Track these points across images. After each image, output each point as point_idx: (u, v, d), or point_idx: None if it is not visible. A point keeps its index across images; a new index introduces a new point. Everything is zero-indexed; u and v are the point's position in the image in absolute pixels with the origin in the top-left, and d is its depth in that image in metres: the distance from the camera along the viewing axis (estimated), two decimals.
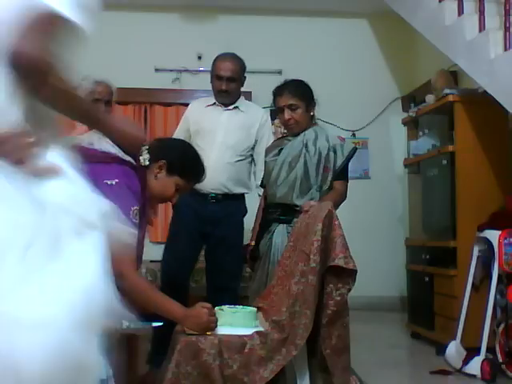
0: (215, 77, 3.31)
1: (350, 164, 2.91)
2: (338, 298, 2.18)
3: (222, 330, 2.12)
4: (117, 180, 2.03)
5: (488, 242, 3.37)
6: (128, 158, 2.12)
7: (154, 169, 2.19)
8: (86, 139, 2.87)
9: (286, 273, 2.37)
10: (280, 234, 2.80)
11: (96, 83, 3.17)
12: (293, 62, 5.71)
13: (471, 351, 3.31)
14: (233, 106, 3.38)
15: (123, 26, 5.51)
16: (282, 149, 2.93)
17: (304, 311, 2.12)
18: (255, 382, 2.01)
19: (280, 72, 5.71)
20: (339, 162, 2.84)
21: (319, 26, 5.77)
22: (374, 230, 5.57)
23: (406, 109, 5.57)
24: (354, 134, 5.76)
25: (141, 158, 2.16)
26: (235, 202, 3.33)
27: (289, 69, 5.74)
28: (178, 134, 3.41)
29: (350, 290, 2.20)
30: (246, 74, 3.42)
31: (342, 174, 2.86)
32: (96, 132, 2.36)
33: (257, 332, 2.13)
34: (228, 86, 3.27)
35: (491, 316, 3.24)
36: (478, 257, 3.48)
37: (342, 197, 2.85)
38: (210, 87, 3.43)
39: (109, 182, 2.01)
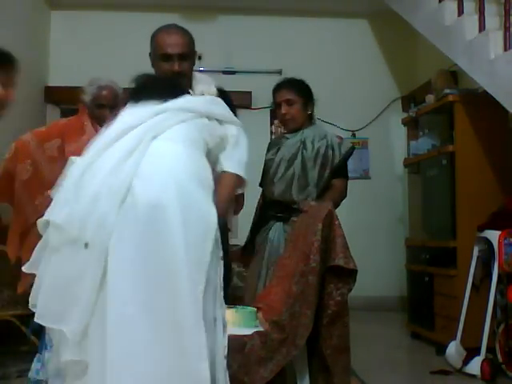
0: (161, 57, 2.42)
1: (349, 164, 2.90)
2: (339, 298, 2.18)
3: None
4: None
5: (488, 242, 3.37)
6: None
7: None
8: None
9: (286, 273, 2.36)
10: (277, 231, 2.79)
11: (100, 88, 3.07)
12: (293, 62, 5.71)
13: (471, 351, 3.31)
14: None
15: (123, 26, 5.51)
16: (279, 147, 2.92)
17: (304, 311, 2.12)
18: (255, 382, 2.01)
19: (280, 72, 5.71)
20: (337, 159, 2.83)
21: (319, 26, 5.77)
22: (374, 230, 5.57)
23: (406, 109, 5.58)
24: (354, 134, 5.76)
25: None
26: None
27: (289, 69, 5.73)
28: None
29: (350, 289, 2.20)
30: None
31: (340, 172, 2.85)
32: None
33: (257, 332, 2.12)
34: (181, 66, 2.42)
35: (491, 316, 3.24)
36: (477, 257, 3.48)
37: (342, 194, 2.85)
38: None
39: None
